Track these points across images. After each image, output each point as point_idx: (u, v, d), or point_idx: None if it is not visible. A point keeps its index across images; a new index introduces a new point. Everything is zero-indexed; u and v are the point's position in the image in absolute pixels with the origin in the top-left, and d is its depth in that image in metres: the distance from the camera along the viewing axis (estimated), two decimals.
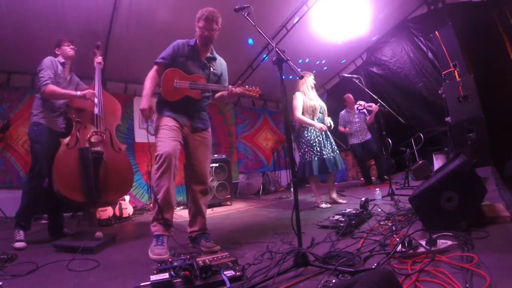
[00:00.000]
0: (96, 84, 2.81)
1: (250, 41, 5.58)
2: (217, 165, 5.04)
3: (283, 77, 1.69)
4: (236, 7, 1.98)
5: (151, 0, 4.18)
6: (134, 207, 4.49)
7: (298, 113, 3.55)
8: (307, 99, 3.61)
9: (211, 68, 2.30)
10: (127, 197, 4.01)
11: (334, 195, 3.73)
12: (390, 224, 2.17)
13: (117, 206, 3.81)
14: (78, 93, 2.62)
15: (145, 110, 2.07)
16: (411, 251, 1.45)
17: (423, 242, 1.47)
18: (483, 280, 1.10)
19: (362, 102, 5.03)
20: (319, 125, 3.43)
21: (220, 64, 2.41)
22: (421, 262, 1.33)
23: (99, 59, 2.93)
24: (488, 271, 1.13)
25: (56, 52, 2.78)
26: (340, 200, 3.68)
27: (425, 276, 1.21)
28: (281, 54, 1.71)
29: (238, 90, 2.20)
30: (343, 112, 5.50)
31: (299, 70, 1.74)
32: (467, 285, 1.08)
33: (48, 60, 2.63)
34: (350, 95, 5.42)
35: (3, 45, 4.10)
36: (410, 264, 1.34)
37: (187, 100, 2.18)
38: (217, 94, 2.39)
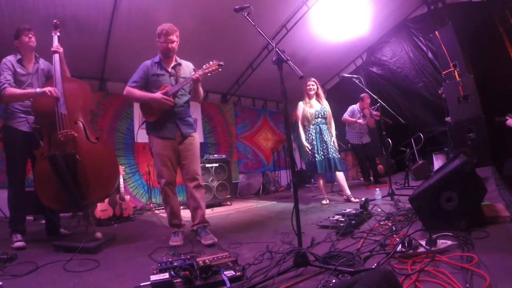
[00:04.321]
0: (56, 76, 2.48)
1: None
2: (217, 165, 5.04)
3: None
4: (236, 7, 1.98)
5: (151, 0, 4.18)
6: (134, 207, 4.49)
7: (299, 123, 3.96)
8: (307, 107, 3.90)
9: (178, 73, 2.50)
10: (127, 197, 4.01)
11: (347, 193, 3.85)
12: (390, 224, 2.17)
13: (117, 206, 3.81)
14: (37, 90, 2.38)
15: (162, 99, 2.30)
16: (411, 251, 1.45)
17: (423, 242, 1.47)
18: (483, 280, 1.10)
19: (369, 110, 5.06)
20: (305, 144, 3.88)
21: (187, 67, 2.59)
22: (421, 262, 1.33)
23: (56, 46, 2.57)
24: (488, 271, 1.13)
25: (16, 44, 2.55)
26: (353, 199, 3.75)
27: (425, 276, 1.21)
28: (281, 54, 1.71)
29: (198, 73, 2.35)
30: (355, 108, 5.33)
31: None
32: (467, 285, 1.08)
33: (2, 64, 2.46)
34: (369, 99, 5.19)
35: (3, 46, 4.09)
36: (410, 264, 1.34)
37: (169, 112, 2.41)
38: (191, 95, 2.60)
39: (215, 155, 5.28)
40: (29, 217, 3.60)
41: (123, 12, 4.21)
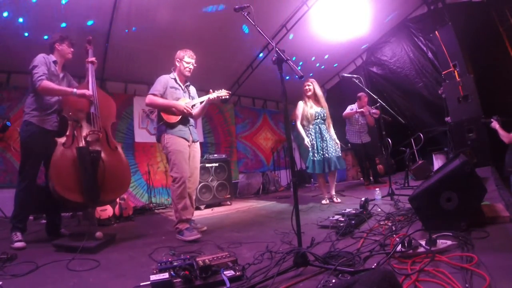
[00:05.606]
0: (90, 82, 2.72)
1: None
2: (217, 164, 5.04)
3: (287, 77, 1.70)
4: (236, 7, 1.98)
5: (151, 0, 4.18)
6: (134, 207, 4.49)
7: (298, 122, 3.97)
8: (307, 107, 3.91)
9: (189, 92, 2.99)
10: (125, 197, 4.01)
11: (332, 193, 3.89)
12: (390, 224, 2.17)
13: (117, 206, 3.81)
14: (75, 90, 2.56)
15: (185, 107, 2.72)
16: (411, 251, 1.45)
17: (423, 242, 1.47)
18: (483, 280, 1.10)
19: (368, 108, 5.05)
20: (306, 140, 3.83)
21: (193, 89, 3.06)
22: (421, 262, 1.33)
23: (91, 58, 2.82)
24: (488, 271, 1.13)
25: (57, 47, 2.70)
26: (335, 200, 3.80)
27: (425, 276, 1.21)
28: (281, 54, 1.71)
29: (214, 96, 2.81)
30: (354, 107, 5.28)
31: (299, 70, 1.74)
32: (466, 285, 1.08)
33: (40, 57, 2.58)
34: (366, 98, 5.16)
35: (3, 45, 4.10)
36: (410, 264, 1.34)
37: (186, 118, 2.83)
38: (196, 111, 2.96)
39: (215, 155, 5.28)
40: (30, 217, 3.59)
41: (123, 12, 4.21)
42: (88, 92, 2.63)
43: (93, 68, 2.80)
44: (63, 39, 2.73)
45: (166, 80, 2.86)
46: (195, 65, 2.92)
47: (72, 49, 2.78)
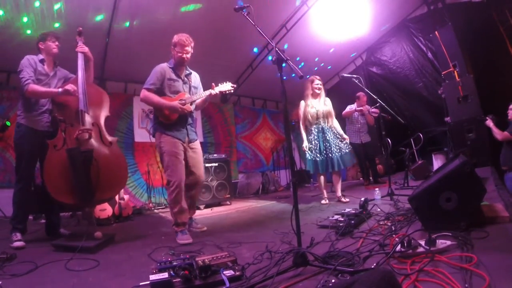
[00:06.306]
0: (79, 75, 2.59)
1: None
2: (216, 164, 5.04)
3: (284, 77, 1.70)
4: (236, 6, 1.98)
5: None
6: (133, 207, 4.49)
7: (301, 123, 3.95)
8: (308, 107, 3.90)
9: (190, 82, 2.74)
10: (126, 197, 4.01)
11: (338, 194, 3.88)
12: (389, 224, 2.17)
13: (116, 205, 3.80)
14: (59, 90, 2.48)
15: (179, 108, 2.50)
16: (410, 251, 1.45)
17: (422, 242, 1.47)
18: (482, 280, 1.10)
19: (367, 107, 5.03)
20: (304, 144, 3.84)
21: (195, 77, 2.83)
22: (420, 262, 1.33)
23: (80, 46, 2.65)
24: (487, 271, 1.13)
25: (40, 46, 2.64)
26: (343, 200, 3.78)
27: (424, 276, 1.21)
28: (281, 53, 1.71)
29: (217, 91, 2.64)
30: (353, 107, 5.26)
31: (299, 69, 1.74)
32: (466, 285, 1.08)
33: (25, 59, 2.54)
34: (365, 97, 5.17)
35: (3, 45, 4.09)
36: (409, 264, 1.34)
37: (183, 117, 2.64)
38: (198, 101, 2.78)
39: (215, 155, 5.29)
40: (29, 217, 3.59)
41: (123, 11, 4.21)
42: (70, 86, 2.47)
43: (82, 57, 2.64)
44: (44, 36, 2.66)
45: (163, 70, 2.61)
46: (191, 51, 2.63)
47: (57, 43, 2.66)
